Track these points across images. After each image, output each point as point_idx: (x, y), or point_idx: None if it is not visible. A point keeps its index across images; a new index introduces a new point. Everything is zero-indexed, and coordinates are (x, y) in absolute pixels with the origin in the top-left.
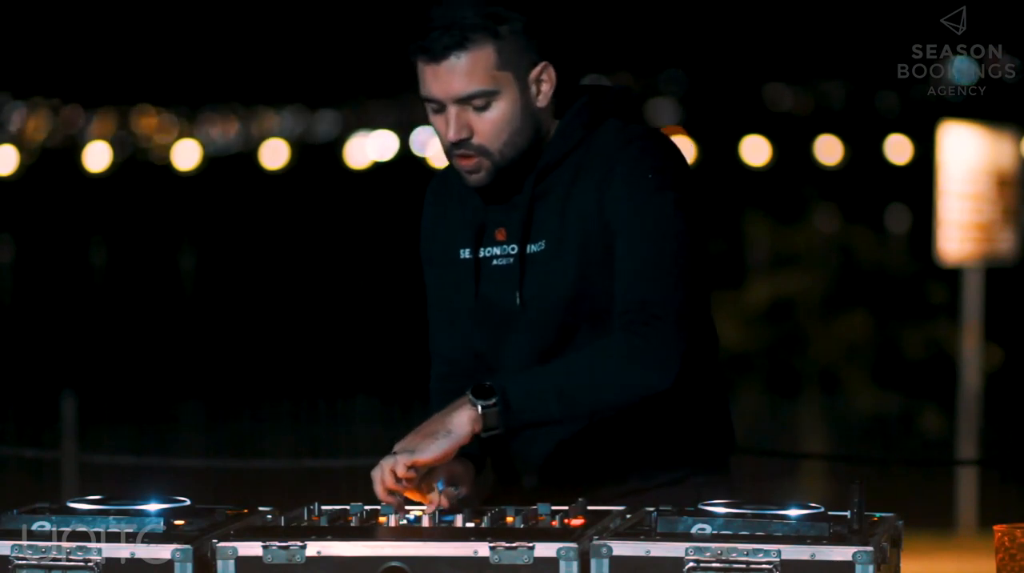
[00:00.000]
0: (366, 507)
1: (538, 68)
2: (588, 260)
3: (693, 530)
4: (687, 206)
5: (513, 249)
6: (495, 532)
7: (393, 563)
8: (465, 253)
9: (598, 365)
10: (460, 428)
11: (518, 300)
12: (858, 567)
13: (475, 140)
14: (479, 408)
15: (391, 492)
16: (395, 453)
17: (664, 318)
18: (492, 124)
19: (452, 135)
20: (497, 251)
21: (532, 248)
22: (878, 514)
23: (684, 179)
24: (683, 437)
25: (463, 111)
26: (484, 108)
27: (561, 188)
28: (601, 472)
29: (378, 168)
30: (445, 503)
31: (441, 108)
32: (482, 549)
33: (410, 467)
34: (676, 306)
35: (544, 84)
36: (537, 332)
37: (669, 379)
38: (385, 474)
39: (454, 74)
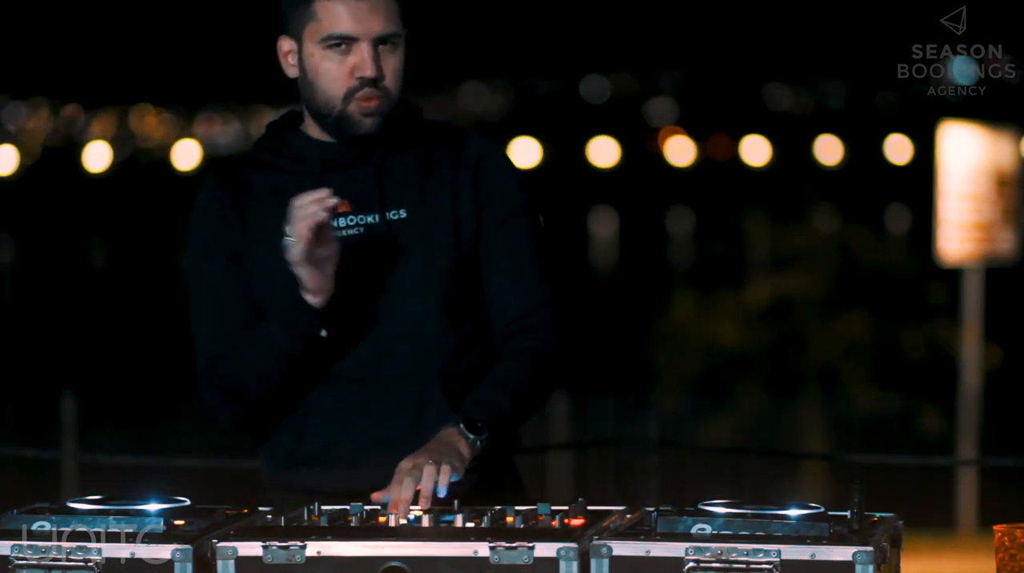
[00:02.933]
0: (366, 507)
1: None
2: (459, 232)
3: (693, 530)
4: (536, 206)
5: (362, 219)
6: (495, 532)
7: (393, 563)
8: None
9: (534, 377)
10: (466, 453)
11: (393, 264)
12: (858, 567)
13: (383, 81)
14: (476, 443)
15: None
16: (434, 463)
17: (554, 321)
18: (396, 68)
19: (371, 71)
20: (343, 222)
21: (390, 215)
22: (878, 514)
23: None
24: None
25: (376, 50)
26: (392, 51)
27: (407, 163)
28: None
29: None
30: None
31: (348, 49)
32: (482, 549)
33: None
34: (555, 312)
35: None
36: (407, 300)
37: (561, 369)
38: (428, 481)
39: (377, 12)
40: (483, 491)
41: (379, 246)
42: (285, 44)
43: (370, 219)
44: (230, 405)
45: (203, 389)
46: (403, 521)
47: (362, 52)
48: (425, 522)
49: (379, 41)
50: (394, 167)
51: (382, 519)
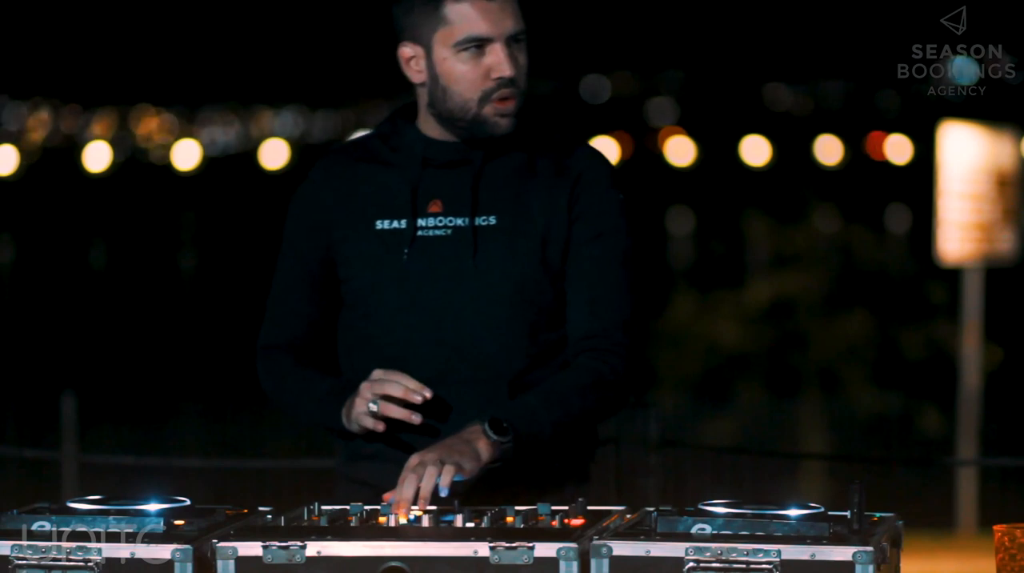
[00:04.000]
0: (366, 507)
1: None
2: (546, 246)
3: (693, 530)
4: (636, 232)
5: (452, 221)
6: (495, 532)
7: (393, 563)
8: (388, 224)
9: (589, 391)
10: (484, 453)
11: (473, 267)
12: (858, 567)
13: (517, 81)
14: (498, 443)
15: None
16: (438, 462)
17: (623, 352)
18: (526, 66)
19: (509, 70)
20: (431, 222)
21: (480, 221)
22: (878, 514)
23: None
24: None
25: (509, 50)
26: (521, 49)
27: (509, 169)
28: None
29: None
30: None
31: (481, 50)
32: (482, 549)
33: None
34: (633, 343)
35: None
36: (485, 307)
37: (627, 399)
38: (428, 481)
39: (506, 10)
40: (554, 486)
41: (462, 249)
42: (408, 51)
43: (459, 222)
44: (276, 401)
45: (257, 364)
46: (403, 521)
47: (497, 52)
48: (425, 522)
49: (511, 40)
50: (494, 171)
51: (382, 519)
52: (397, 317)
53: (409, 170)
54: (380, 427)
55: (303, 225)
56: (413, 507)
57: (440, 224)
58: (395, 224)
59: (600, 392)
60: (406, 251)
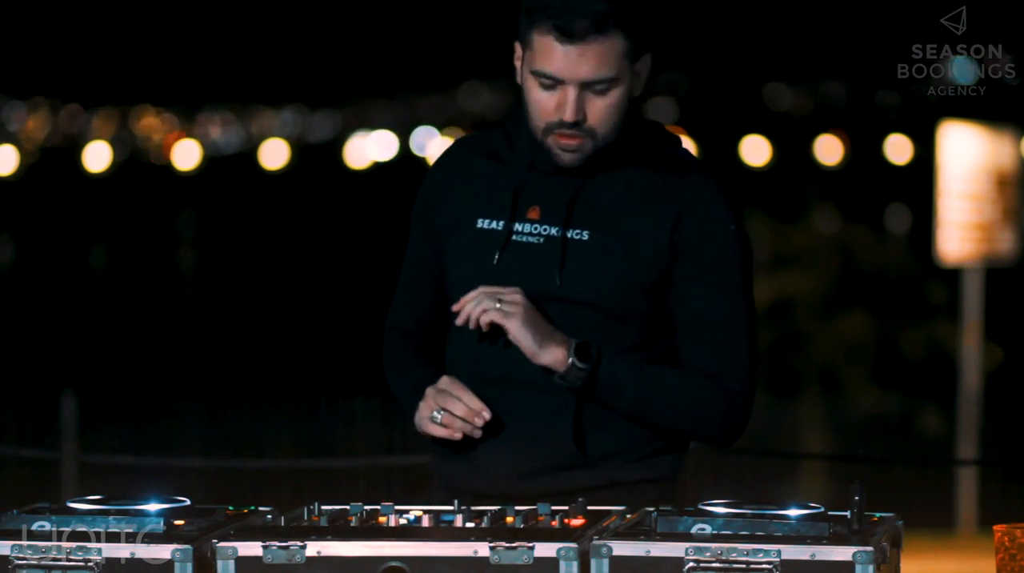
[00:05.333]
0: (366, 507)
1: (644, 58)
2: (636, 268)
3: (693, 530)
4: (751, 257)
5: (546, 230)
6: (495, 532)
7: (393, 563)
8: (488, 223)
9: (684, 396)
10: (548, 353)
11: (558, 281)
12: (858, 567)
13: (586, 123)
14: (572, 360)
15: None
16: (498, 304)
17: (747, 393)
18: (606, 109)
19: (571, 116)
20: (527, 228)
21: (572, 234)
22: (878, 514)
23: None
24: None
25: (583, 93)
26: (602, 93)
27: (616, 185)
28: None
29: (378, 168)
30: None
31: (554, 85)
32: (482, 549)
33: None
34: (754, 381)
35: (642, 75)
36: (564, 319)
37: (731, 443)
38: (486, 300)
39: (586, 58)
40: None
41: (550, 260)
42: (517, 50)
43: (553, 231)
44: (387, 379)
45: (384, 342)
46: (403, 522)
47: (567, 94)
48: (425, 522)
49: (586, 86)
50: (598, 186)
51: (382, 519)
52: None
53: (517, 172)
54: (443, 433)
55: (423, 211)
56: (414, 507)
57: (535, 231)
58: (493, 224)
59: (705, 406)
60: (497, 253)
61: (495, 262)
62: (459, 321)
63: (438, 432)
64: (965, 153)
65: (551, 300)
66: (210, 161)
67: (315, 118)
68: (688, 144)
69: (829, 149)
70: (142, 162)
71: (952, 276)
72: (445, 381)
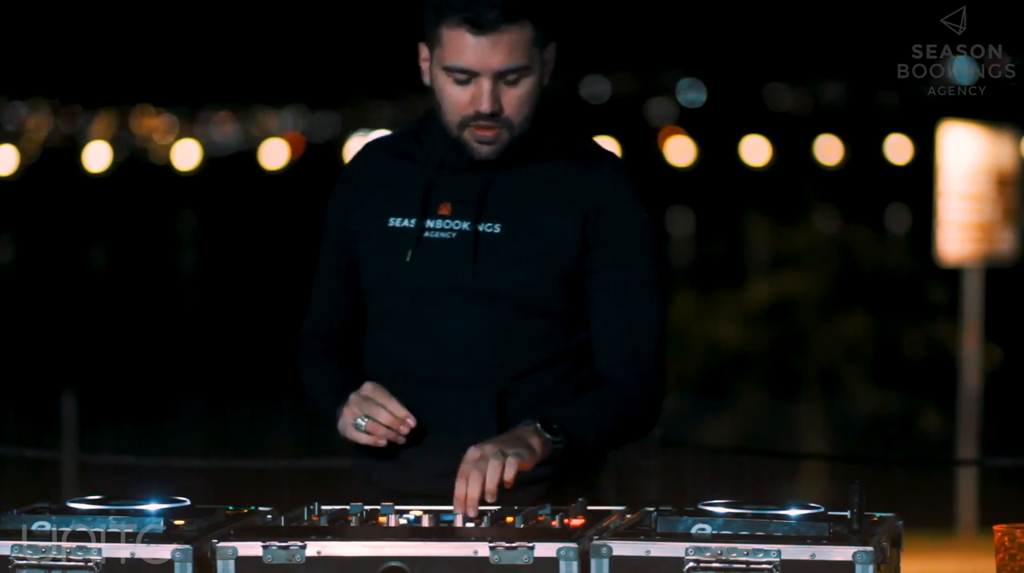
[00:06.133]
0: (366, 507)
1: (550, 47)
2: (548, 258)
3: (693, 530)
4: (664, 246)
5: (458, 224)
6: (495, 532)
7: (393, 563)
8: (399, 221)
9: (626, 411)
10: (539, 450)
11: (471, 275)
12: (858, 567)
13: (503, 114)
14: (550, 442)
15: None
16: (500, 454)
17: (657, 373)
18: (520, 99)
19: (488, 107)
20: (439, 224)
21: (484, 228)
22: (878, 514)
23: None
24: None
25: (497, 84)
26: (515, 83)
27: (526, 178)
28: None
29: None
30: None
31: (469, 80)
32: (482, 549)
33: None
34: (662, 367)
35: (549, 64)
36: (481, 312)
37: (650, 430)
38: (493, 475)
39: (498, 48)
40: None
41: (463, 254)
42: (423, 51)
43: (464, 226)
44: (306, 391)
45: (300, 351)
46: (403, 522)
47: (482, 86)
48: (425, 522)
49: (500, 76)
50: (508, 179)
51: (382, 519)
52: (398, 316)
53: (427, 170)
54: (367, 440)
55: (335, 215)
56: (414, 507)
57: (446, 227)
58: (405, 222)
59: (636, 414)
60: (410, 251)
61: (408, 259)
62: (467, 507)
63: (362, 439)
64: (965, 153)
65: (466, 294)
66: (210, 161)
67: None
68: (688, 144)
69: (829, 149)
70: (142, 162)
71: (952, 276)
72: (369, 388)
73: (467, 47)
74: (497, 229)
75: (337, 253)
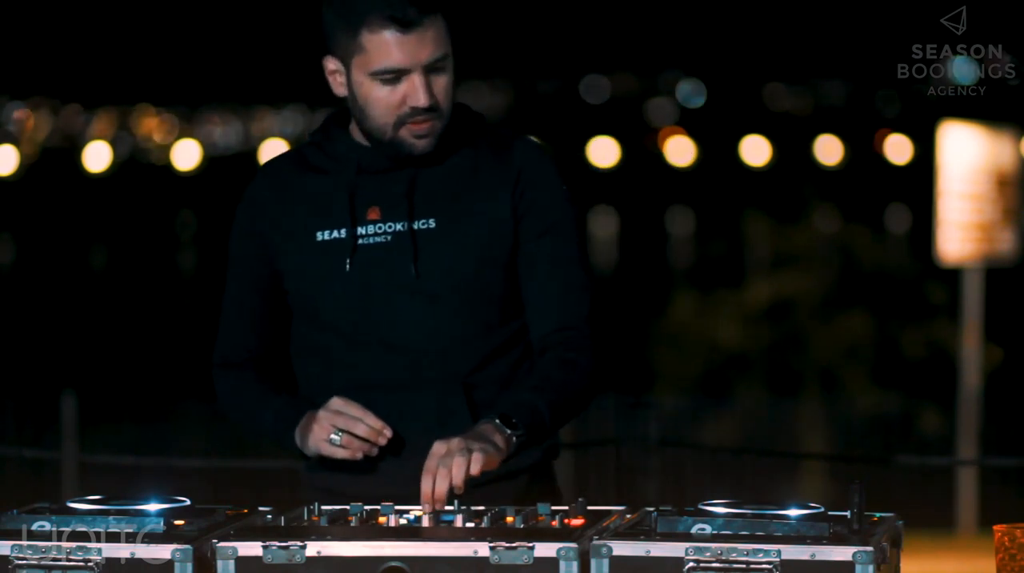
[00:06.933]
0: (366, 507)
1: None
2: (488, 244)
3: (693, 530)
4: (581, 221)
5: (391, 226)
6: (495, 532)
7: (393, 563)
8: (328, 234)
9: (571, 386)
10: (502, 446)
11: (415, 274)
12: (858, 567)
13: (437, 104)
14: (512, 438)
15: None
16: (465, 450)
17: (593, 337)
18: (447, 87)
19: (424, 100)
20: (371, 229)
21: (419, 225)
22: (878, 514)
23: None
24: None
25: (427, 77)
26: (441, 72)
27: (449, 168)
28: None
29: None
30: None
31: (398, 78)
32: (482, 549)
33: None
34: (595, 326)
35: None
36: (431, 309)
37: (596, 396)
38: (459, 470)
39: (424, 41)
40: (522, 497)
41: (403, 255)
42: (331, 64)
43: (398, 227)
44: (233, 420)
45: (214, 380)
46: (403, 522)
47: (413, 82)
48: (425, 522)
49: (429, 68)
50: (430, 175)
51: (382, 519)
52: (345, 326)
53: (345, 178)
54: (343, 455)
55: (248, 238)
56: (414, 507)
57: (379, 231)
58: (335, 234)
59: (579, 379)
60: (348, 261)
61: (347, 269)
62: (434, 504)
63: (339, 454)
64: (965, 153)
65: (412, 294)
66: (210, 161)
67: (315, 118)
68: (688, 144)
69: (829, 149)
70: (142, 162)
71: (952, 276)
72: (338, 402)
73: (394, 46)
74: (432, 224)
75: (252, 279)
